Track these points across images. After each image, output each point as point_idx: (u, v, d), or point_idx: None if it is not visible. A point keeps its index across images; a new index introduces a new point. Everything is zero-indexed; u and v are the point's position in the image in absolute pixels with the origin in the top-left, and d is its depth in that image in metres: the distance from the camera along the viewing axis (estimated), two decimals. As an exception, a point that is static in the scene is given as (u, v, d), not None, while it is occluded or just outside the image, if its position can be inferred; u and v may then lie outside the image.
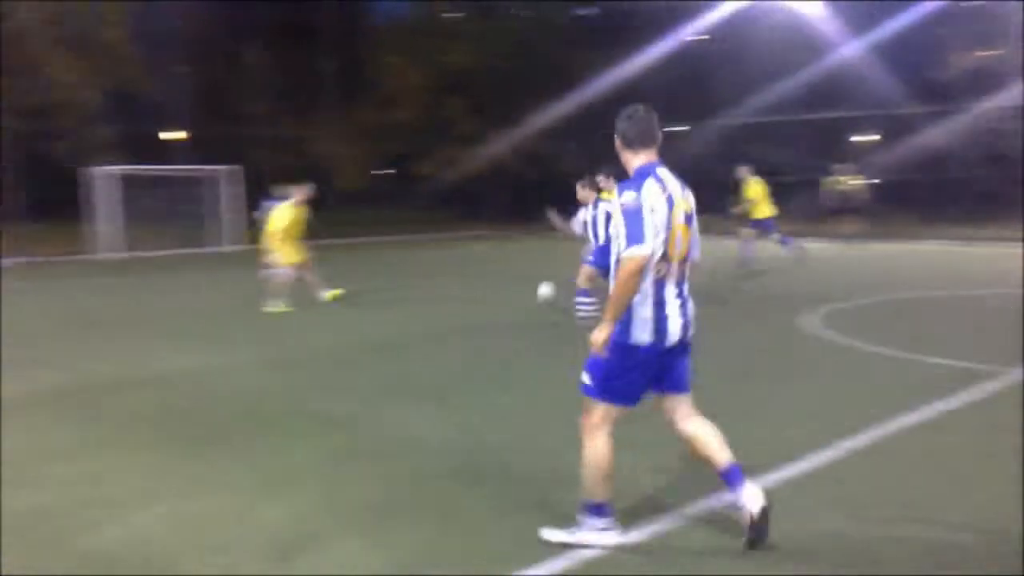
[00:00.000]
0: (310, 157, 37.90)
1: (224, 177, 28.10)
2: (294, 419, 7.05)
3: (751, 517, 4.24)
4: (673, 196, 4.20)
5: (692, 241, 4.32)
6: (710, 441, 4.37)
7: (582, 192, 11.33)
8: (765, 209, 18.48)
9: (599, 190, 11.16)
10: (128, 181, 26.46)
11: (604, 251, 10.66)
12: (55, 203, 30.74)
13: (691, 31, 36.15)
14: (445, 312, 13.21)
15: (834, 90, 33.33)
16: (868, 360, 8.93)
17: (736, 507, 4.33)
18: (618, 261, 4.09)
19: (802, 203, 26.13)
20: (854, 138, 37.00)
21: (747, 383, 7.98)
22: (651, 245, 4.03)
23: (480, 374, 8.73)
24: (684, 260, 4.28)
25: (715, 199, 20.18)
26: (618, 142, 4.40)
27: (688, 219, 4.27)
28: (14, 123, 30.09)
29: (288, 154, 37.19)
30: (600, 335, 4.10)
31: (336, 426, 6.73)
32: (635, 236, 4.03)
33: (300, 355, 9.96)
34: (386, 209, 37.15)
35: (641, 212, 4.06)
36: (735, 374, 8.27)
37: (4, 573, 4.23)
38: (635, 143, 4.34)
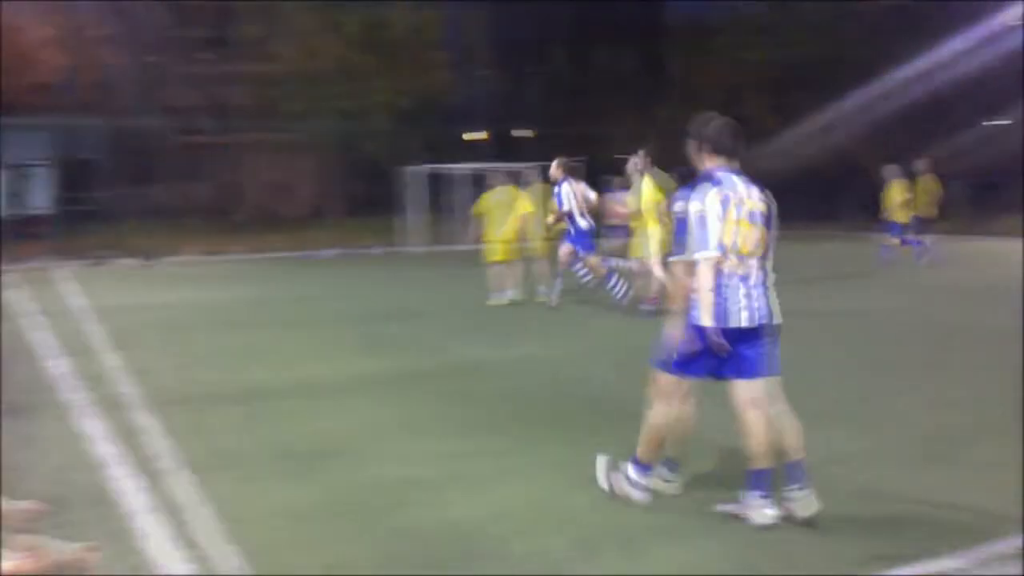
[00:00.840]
0: (609, 156, 38.34)
1: (523, 175, 29.00)
2: (620, 411, 7.04)
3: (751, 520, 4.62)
4: (731, 197, 4.62)
5: (761, 238, 4.69)
6: (759, 435, 4.67)
7: (555, 171, 12.84)
8: (900, 214, 18.33)
9: (569, 170, 12.78)
10: (435, 179, 28.01)
11: (581, 234, 12.62)
12: (371, 199, 33.13)
13: (1014, 15, 33.16)
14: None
15: None
16: None
17: (739, 505, 4.69)
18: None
19: None
20: None
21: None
22: (689, 254, 4.59)
23: (812, 380, 8.46)
24: (752, 254, 4.66)
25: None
26: (694, 144, 4.85)
27: (752, 217, 4.65)
28: (338, 126, 32.69)
29: (585, 153, 37.83)
30: (674, 329, 4.74)
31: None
32: (679, 246, 4.68)
33: (625, 349, 9.88)
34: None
35: (687, 223, 4.61)
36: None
37: (333, 542, 4.63)
38: (710, 149, 4.80)
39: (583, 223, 12.55)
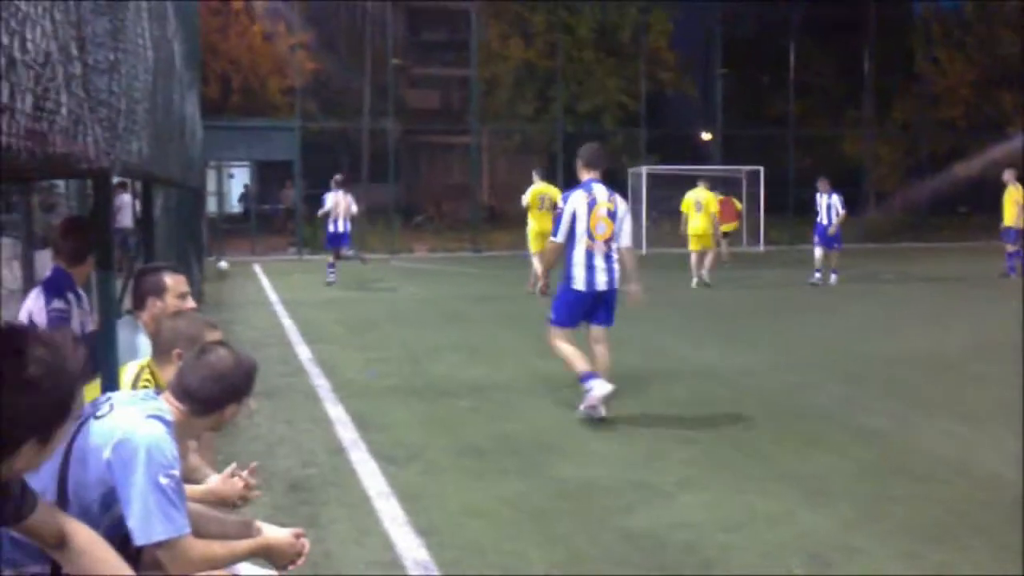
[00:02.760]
0: (840, 157, 36.86)
1: (745, 178, 28.25)
2: (823, 425, 6.91)
3: (593, 397, 6.77)
4: (596, 199, 7.04)
5: (616, 230, 7.08)
6: (601, 360, 7.05)
7: (334, 183, 16.53)
8: (1010, 218, 17.71)
9: (345, 184, 16.68)
10: (657, 180, 27.72)
11: (337, 234, 16.45)
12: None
13: None
14: (991, 328, 12.15)
15: None
16: None
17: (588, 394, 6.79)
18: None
19: None
20: None
21: None
22: (561, 238, 7.06)
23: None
24: (608, 240, 7.04)
25: None
26: (578, 162, 7.30)
27: (610, 214, 7.06)
28: (569, 126, 33.04)
29: (816, 154, 36.54)
30: (542, 283, 7.81)
31: (869, 438, 6.49)
32: (555, 231, 7.14)
33: (822, 360, 9.70)
34: (924, 213, 34.48)
35: (562, 216, 7.07)
36: None
37: (559, 538, 4.68)
38: (585, 165, 7.26)
39: (339, 226, 16.33)
